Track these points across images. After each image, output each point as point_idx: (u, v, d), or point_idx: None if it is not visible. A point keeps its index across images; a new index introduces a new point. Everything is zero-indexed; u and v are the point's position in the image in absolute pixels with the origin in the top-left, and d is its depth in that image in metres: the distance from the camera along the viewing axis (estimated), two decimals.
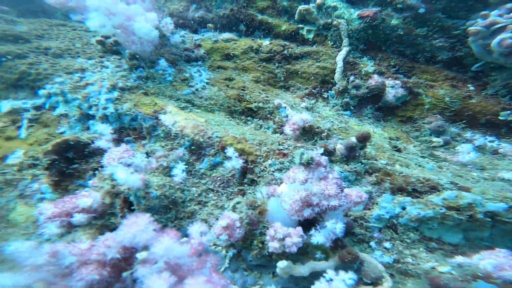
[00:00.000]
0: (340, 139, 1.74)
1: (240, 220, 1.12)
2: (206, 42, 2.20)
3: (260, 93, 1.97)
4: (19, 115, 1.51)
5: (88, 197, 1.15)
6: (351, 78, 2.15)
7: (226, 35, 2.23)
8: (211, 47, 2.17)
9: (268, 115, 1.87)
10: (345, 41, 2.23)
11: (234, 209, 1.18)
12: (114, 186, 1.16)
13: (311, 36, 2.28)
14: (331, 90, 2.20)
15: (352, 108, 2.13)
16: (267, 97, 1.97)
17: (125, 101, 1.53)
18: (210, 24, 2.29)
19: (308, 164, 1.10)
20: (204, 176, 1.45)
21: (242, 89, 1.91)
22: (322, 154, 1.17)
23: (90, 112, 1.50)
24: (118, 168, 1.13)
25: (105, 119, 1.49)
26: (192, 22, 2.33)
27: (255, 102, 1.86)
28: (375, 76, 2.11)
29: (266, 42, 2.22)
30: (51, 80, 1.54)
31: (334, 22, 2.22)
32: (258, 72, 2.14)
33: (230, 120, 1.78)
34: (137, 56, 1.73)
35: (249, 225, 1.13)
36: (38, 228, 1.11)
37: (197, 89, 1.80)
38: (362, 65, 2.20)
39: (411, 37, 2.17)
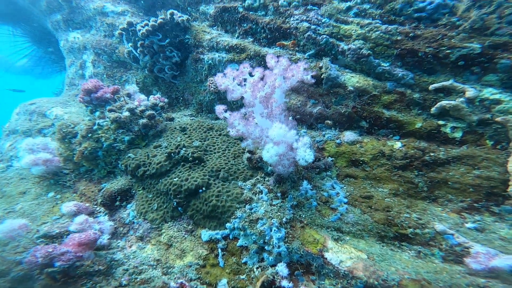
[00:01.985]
0: None
1: None
2: (329, 145, 2.10)
3: (409, 213, 1.62)
4: (215, 244, 1.74)
5: None
6: None
7: (349, 135, 2.08)
8: (336, 152, 2.05)
9: (430, 242, 1.49)
10: None
11: None
12: None
13: (458, 135, 1.84)
14: (506, 205, 1.59)
15: None
16: (419, 219, 1.59)
17: (293, 239, 1.56)
18: (328, 121, 2.23)
19: None
20: None
21: (387, 211, 1.64)
22: None
23: (265, 247, 1.61)
24: None
25: (278, 256, 1.56)
26: (309, 117, 2.34)
27: (409, 228, 1.57)
28: None
29: (398, 144, 1.92)
30: (233, 214, 1.74)
31: (497, 119, 1.73)
32: (395, 183, 1.82)
33: (389, 249, 1.52)
34: (283, 177, 1.80)
35: None
36: None
37: (342, 214, 1.66)
38: None
39: None
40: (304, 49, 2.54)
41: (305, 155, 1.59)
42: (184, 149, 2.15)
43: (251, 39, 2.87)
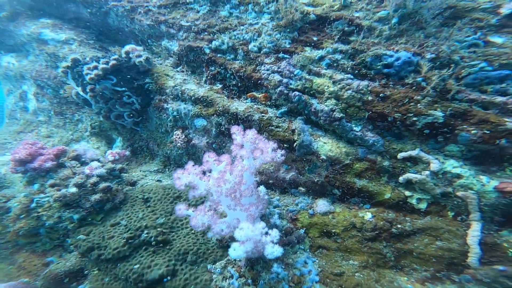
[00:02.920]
0: None
1: None
2: (303, 216, 2.11)
3: None
4: None
5: None
6: (500, 268, 1.66)
7: (322, 205, 2.09)
8: (308, 223, 2.07)
9: None
10: (476, 215, 1.79)
11: None
12: None
13: (423, 206, 1.92)
14: (465, 274, 1.74)
15: None
16: None
17: None
18: (301, 188, 2.22)
19: None
20: None
21: None
22: None
23: None
24: None
25: None
26: (282, 182, 2.32)
27: None
28: None
29: (368, 216, 1.98)
30: None
31: (458, 193, 1.82)
32: (365, 254, 1.90)
33: None
34: (253, 260, 1.77)
35: None
36: None
37: None
38: (506, 245, 1.69)
39: None
40: (276, 104, 2.43)
41: (273, 251, 1.59)
42: (146, 231, 2.01)
43: (220, 86, 2.69)
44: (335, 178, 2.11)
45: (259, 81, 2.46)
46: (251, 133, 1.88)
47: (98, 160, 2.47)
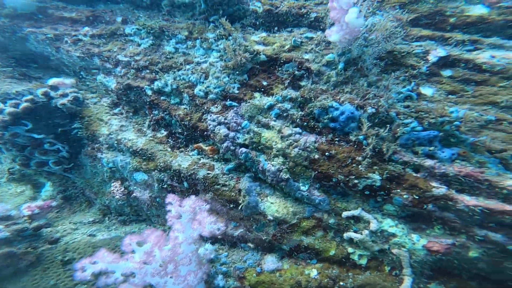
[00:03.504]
0: None
1: None
2: (250, 274, 2.08)
3: None
4: None
5: None
6: None
7: (270, 262, 2.09)
8: (256, 281, 2.05)
9: None
10: (407, 271, 1.93)
11: None
12: None
13: (364, 262, 2.02)
14: None
15: None
16: None
17: None
18: (250, 244, 2.18)
19: None
20: None
21: None
22: None
23: None
24: None
25: None
26: (231, 238, 2.25)
27: None
28: None
29: (314, 273, 2.02)
30: None
31: (393, 251, 1.93)
32: None
33: None
34: None
35: None
36: None
37: None
38: None
39: (498, 268, 1.78)
40: (224, 157, 2.32)
41: None
42: None
43: (165, 133, 2.47)
44: (282, 237, 2.11)
45: (205, 133, 2.31)
46: (189, 203, 1.78)
47: (9, 217, 2.12)
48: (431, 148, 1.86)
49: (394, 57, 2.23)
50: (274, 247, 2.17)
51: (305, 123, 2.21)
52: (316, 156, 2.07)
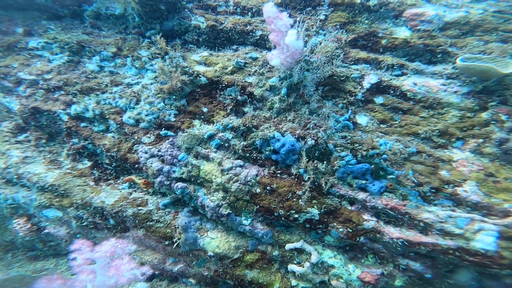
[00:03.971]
0: None
1: None
2: None
3: None
4: None
5: None
6: None
7: None
8: None
9: None
10: None
11: None
12: None
13: None
14: None
15: None
16: None
17: None
18: (192, 280, 2.01)
19: None
20: None
21: None
22: None
23: None
24: None
25: None
26: (170, 273, 2.03)
27: None
28: None
29: None
30: None
31: (332, 282, 1.98)
32: None
33: None
34: None
35: None
36: None
37: None
38: None
39: None
40: (160, 191, 2.09)
41: None
42: None
43: (89, 164, 2.12)
44: (225, 272, 1.99)
45: (137, 165, 2.04)
46: (105, 248, 1.53)
47: None
48: (363, 181, 1.93)
49: (333, 82, 2.24)
50: (218, 282, 2.04)
51: (248, 154, 2.12)
52: (258, 190, 2.00)
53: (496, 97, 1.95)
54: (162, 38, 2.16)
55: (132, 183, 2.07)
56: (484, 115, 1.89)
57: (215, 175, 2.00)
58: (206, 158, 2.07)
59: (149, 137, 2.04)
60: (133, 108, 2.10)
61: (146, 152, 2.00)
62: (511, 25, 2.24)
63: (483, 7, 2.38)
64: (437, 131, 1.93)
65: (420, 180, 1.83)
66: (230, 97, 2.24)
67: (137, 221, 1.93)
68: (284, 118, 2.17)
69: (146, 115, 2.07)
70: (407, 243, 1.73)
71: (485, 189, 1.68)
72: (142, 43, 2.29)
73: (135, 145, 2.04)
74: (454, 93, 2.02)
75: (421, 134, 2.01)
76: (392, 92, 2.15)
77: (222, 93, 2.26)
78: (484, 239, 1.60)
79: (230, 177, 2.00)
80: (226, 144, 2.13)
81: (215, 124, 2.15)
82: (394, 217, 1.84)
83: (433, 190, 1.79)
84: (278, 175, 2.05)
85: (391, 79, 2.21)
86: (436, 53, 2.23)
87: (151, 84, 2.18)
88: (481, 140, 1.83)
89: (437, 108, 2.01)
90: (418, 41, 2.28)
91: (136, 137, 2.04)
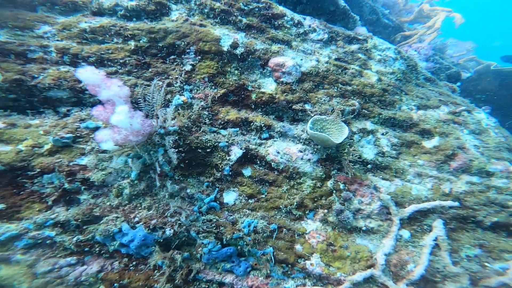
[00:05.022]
0: None
1: None
2: None
3: None
4: None
5: None
6: None
7: None
8: None
9: None
10: None
11: None
12: None
13: None
14: None
15: None
16: None
17: None
18: None
19: None
20: None
21: None
22: None
23: None
24: None
25: None
26: None
27: None
28: None
29: None
30: None
31: None
32: None
33: None
34: None
35: None
36: None
37: None
38: None
39: None
40: None
41: None
42: None
43: None
44: None
45: None
46: None
47: None
48: (228, 265, 1.85)
49: (198, 156, 1.95)
50: None
51: (87, 248, 1.65)
52: None
53: (336, 164, 2.17)
54: None
55: None
56: (329, 184, 2.10)
57: (20, 281, 1.46)
58: (6, 260, 1.46)
59: None
60: None
61: None
62: (347, 76, 2.43)
63: (328, 54, 2.49)
64: (295, 203, 2.02)
65: (279, 257, 1.91)
66: (52, 185, 1.62)
67: None
68: (138, 205, 1.78)
69: None
70: None
71: (326, 259, 1.90)
72: None
73: None
74: (308, 161, 2.13)
75: (283, 209, 2.00)
76: (258, 162, 2.08)
77: (36, 181, 1.60)
78: None
79: (48, 281, 1.50)
80: (48, 242, 1.57)
81: (22, 222, 1.53)
82: None
83: (289, 266, 1.91)
84: (132, 267, 1.71)
85: (257, 148, 2.10)
86: (297, 110, 2.25)
87: None
88: (326, 210, 2.04)
89: (296, 179, 2.09)
90: (282, 96, 2.23)
91: None
